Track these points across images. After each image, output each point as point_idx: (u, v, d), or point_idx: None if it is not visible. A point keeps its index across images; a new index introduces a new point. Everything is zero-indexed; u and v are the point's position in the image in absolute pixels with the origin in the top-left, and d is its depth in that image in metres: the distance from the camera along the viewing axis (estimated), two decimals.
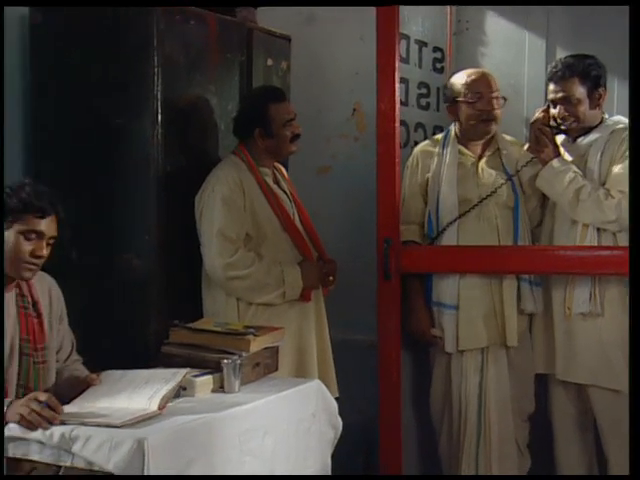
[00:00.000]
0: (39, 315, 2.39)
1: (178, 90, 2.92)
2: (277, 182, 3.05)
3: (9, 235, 2.27)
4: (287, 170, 3.20)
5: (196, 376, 2.42)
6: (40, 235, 2.28)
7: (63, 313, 2.51)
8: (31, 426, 2.06)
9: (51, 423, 2.06)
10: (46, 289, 2.46)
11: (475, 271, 3.08)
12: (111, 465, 1.98)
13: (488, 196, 3.12)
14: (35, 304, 2.39)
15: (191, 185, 2.91)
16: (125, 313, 2.90)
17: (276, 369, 2.70)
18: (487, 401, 3.09)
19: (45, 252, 2.31)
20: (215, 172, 2.91)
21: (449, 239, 3.12)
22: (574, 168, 3.01)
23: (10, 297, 2.35)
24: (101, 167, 2.92)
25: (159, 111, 2.83)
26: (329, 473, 2.61)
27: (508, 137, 3.28)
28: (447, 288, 3.11)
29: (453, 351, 3.12)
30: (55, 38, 2.94)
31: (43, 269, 2.40)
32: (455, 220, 3.11)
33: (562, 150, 3.08)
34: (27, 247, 2.27)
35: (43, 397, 2.10)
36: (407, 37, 3.53)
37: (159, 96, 2.83)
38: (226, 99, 3.13)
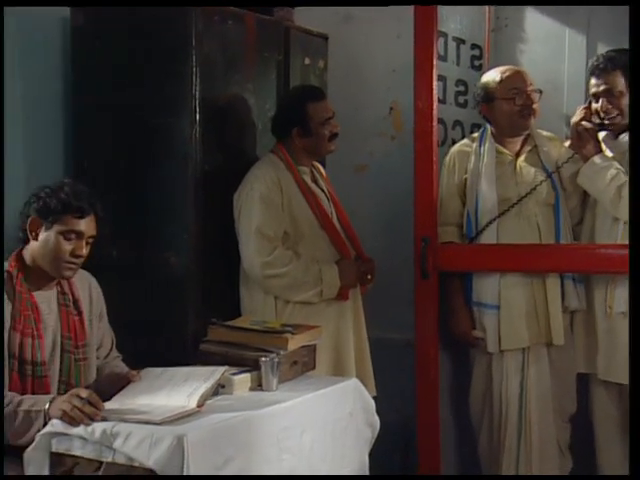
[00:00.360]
0: (80, 313, 2.43)
1: (216, 89, 2.94)
2: (315, 181, 3.06)
3: (49, 235, 2.30)
4: (324, 168, 3.20)
5: (234, 374, 2.44)
6: (79, 235, 2.32)
7: (103, 311, 2.54)
8: (73, 422, 2.08)
9: (92, 419, 2.09)
10: (86, 287, 2.49)
11: (515, 270, 3.05)
12: (151, 461, 2.00)
13: (528, 194, 3.09)
14: (76, 302, 2.43)
15: (229, 184, 2.93)
16: (163, 311, 2.92)
17: (313, 367, 2.70)
18: (528, 401, 3.06)
19: (85, 251, 2.34)
20: (253, 171, 2.93)
21: (489, 239, 3.08)
22: (616, 165, 2.97)
23: (52, 295, 2.38)
24: (140, 166, 2.95)
25: (197, 110, 2.85)
26: (366, 472, 2.61)
27: (545, 133, 3.24)
28: (488, 287, 3.08)
29: (495, 351, 3.08)
30: (96, 39, 2.98)
31: (83, 267, 2.43)
32: (495, 219, 3.08)
33: (604, 147, 3.04)
34: (67, 247, 2.30)
35: (84, 394, 2.13)
36: (445, 34, 3.51)
37: (197, 95, 2.85)
38: (263, 98, 3.14)
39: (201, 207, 2.89)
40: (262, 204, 2.85)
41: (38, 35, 2.94)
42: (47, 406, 2.14)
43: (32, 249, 2.33)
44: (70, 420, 2.09)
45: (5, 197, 2.82)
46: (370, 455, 2.64)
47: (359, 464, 2.58)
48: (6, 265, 2.35)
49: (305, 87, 3.15)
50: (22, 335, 2.28)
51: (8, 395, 2.19)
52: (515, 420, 3.07)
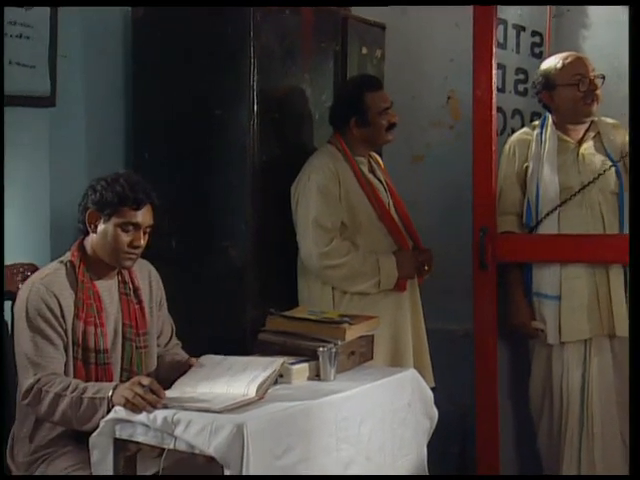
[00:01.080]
0: (140, 301, 2.47)
1: (273, 80, 2.95)
2: (372, 171, 3.05)
3: (108, 227, 2.34)
4: (381, 158, 3.19)
5: (292, 363, 2.45)
6: (137, 226, 2.35)
7: (163, 299, 2.58)
8: (135, 409, 2.12)
9: (154, 407, 2.12)
10: (146, 276, 2.53)
11: (577, 260, 3.00)
12: (212, 449, 2.02)
13: (590, 182, 3.03)
14: (136, 290, 2.47)
15: (286, 174, 2.94)
16: (222, 301, 2.95)
17: (371, 358, 2.70)
18: (590, 394, 3.01)
19: (142, 242, 2.37)
20: (311, 161, 2.93)
21: (549, 228, 3.03)
22: None
23: (112, 284, 2.43)
24: (199, 157, 2.98)
25: (255, 101, 2.86)
26: (424, 463, 2.60)
27: (609, 120, 3.17)
28: (548, 278, 3.03)
29: (555, 343, 3.04)
30: (156, 31, 3.01)
31: (142, 256, 2.46)
32: (556, 208, 3.03)
33: None
34: (125, 238, 2.34)
35: (146, 381, 2.17)
36: (504, 21, 3.46)
37: (255, 87, 2.86)
38: (321, 88, 3.14)
39: (259, 198, 2.91)
40: (320, 195, 2.85)
41: (100, 28, 2.99)
42: (110, 393, 2.18)
43: (92, 241, 2.37)
44: (132, 407, 2.13)
45: (67, 189, 2.89)
46: (427, 446, 2.63)
47: (417, 455, 2.57)
48: (68, 255, 2.40)
49: (363, 77, 3.14)
50: (85, 324, 2.33)
51: (72, 382, 2.24)
52: (577, 413, 3.02)
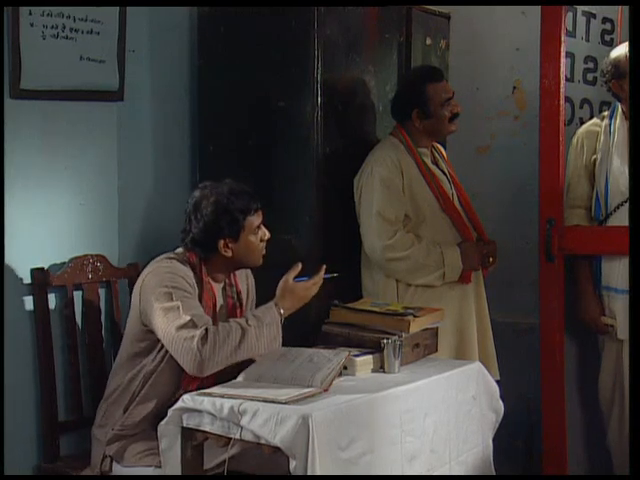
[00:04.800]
0: (241, 304, 2.56)
1: (337, 72, 2.95)
2: (436, 162, 3.02)
3: (243, 242, 2.44)
4: (445, 149, 3.16)
5: (356, 355, 2.45)
6: (259, 225, 2.47)
7: (254, 299, 2.65)
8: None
9: None
10: (244, 278, 2.62)
11: None
12: (277, 439, 2.04)
13: None
14: (239, 293, 2.56)
15: (350, 166, 2.94)
16: None
17: (436, 350, 2.69)
18: None
19: (267, 233, 2.49)
20: (374, 153, 2.92)
21: (619, 222, 2.96)
22: None
23: (221, 287, 2.51)
24: (263, 149, 3.00)
25: (319, 93, 2.86)
26: (490, 456, 2.58)
27: None
28: (618, 271, 2.97)
29: (626, 338, 2.97)
30: (221, 24, 3.03)
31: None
32: (626, 201, 2.95)
33: None
34: (257, 240, 2.46)
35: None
36: (574, 8, 3.38)
37: (319, 78, 2.86)
38: (384, 80, 3.13)
39: (322, 190, 2.91)
40: (383, 187, 2.84)
41: (166, 23, 3.03)
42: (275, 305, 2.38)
43: (234, 254, 2.44)
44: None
45: (135, 181, 2.94)
46: (493, 440, 2.61)
47: (483, 449, 2.56)
48: (182, 252, 2.46)
49: (423, 68, 3.12)
50: None
51: (233, 321, 2.31)
52: None
